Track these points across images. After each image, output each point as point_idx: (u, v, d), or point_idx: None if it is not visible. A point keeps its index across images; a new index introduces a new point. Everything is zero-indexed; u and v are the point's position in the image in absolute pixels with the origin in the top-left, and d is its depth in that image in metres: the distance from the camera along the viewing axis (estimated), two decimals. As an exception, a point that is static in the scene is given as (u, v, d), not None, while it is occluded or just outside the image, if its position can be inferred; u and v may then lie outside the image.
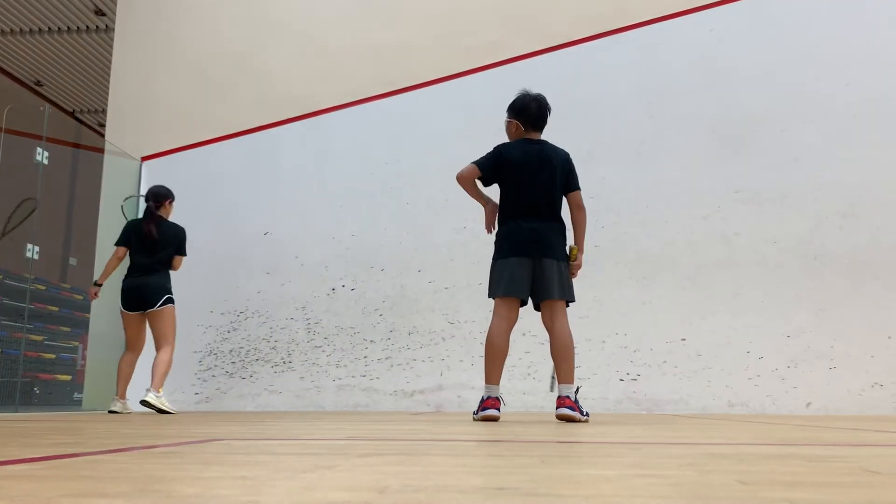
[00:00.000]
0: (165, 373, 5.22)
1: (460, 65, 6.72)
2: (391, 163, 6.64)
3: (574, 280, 3.87)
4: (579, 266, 3.87)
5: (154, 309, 5.29)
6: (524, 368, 5.93)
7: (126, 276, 5.39)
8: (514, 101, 3.95)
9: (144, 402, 5.05)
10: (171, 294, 5.37)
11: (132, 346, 5.38)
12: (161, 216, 5.45)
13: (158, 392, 5.13)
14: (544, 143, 3.92)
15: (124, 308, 5.36)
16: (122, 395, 5.28)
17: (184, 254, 5.49)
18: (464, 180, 3.84)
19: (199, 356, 6.44)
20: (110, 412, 5.16)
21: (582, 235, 3.89)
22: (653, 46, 6.60)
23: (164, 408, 5.08)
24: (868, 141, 6.17)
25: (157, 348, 5.31)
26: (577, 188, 3.90)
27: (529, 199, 3.78)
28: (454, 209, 6.18)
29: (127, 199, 5.68)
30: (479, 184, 3.91)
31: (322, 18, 7.15)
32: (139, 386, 5.41)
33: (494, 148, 3.91)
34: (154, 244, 5.35)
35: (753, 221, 6.15)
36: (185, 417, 4.36)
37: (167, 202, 5.52)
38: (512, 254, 3.75)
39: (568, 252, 3.83)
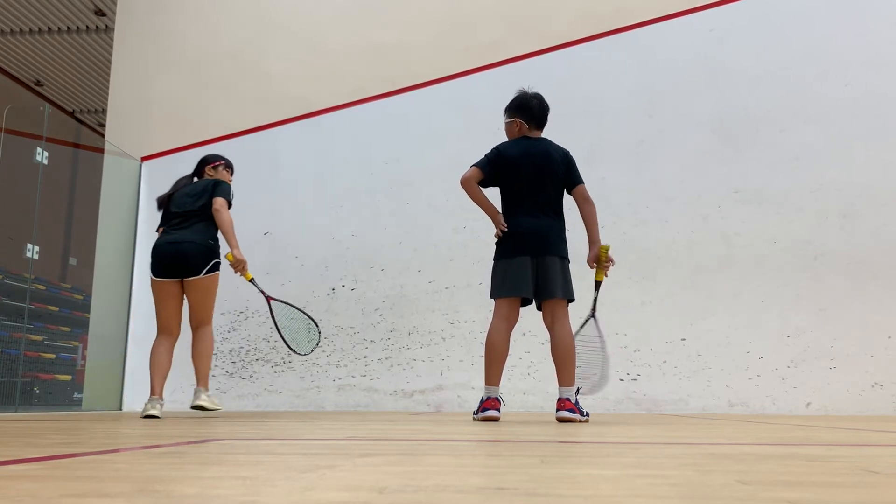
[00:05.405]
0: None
1: (460, 65, 6.72)
2: (391, 163, 6.64)
3: (576, 278, 3.87)
4: (610, 262, 3.87)
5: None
6: (524, 368, 5.93)
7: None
8: (514, 101, 3.94)
9: (198, 407, 4.31)
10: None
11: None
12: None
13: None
14: (544, 140, 3.91)
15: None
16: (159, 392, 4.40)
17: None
18: (468, 184, 3.80)
19: (199, 356, 6.43)
20: (148, 417, 4.15)
21: (595, 228, 3.87)
22: (653, 46, 6.59)
23: (215, 407, 4.40)
24: (868, 141, 6.17)
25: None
26: (581, 182, 3.88)
27: (530, 197, 3.77)
28: (454, 209, 6.18)
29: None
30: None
31: (322, 18, 7.15)
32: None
33: (493, 148, 3.90)
34: None
35: (753, 221, 6.15)
36: (186, 417, 4.35)
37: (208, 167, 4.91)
38: (514, 253, 3.73)
39: (596, 257, 3.83)
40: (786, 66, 6.39)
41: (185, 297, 4.55)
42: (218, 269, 4.55)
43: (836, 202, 6.10)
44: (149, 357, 4.49)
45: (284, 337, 4.73)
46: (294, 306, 4.85)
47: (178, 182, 4.81)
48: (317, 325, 4.85)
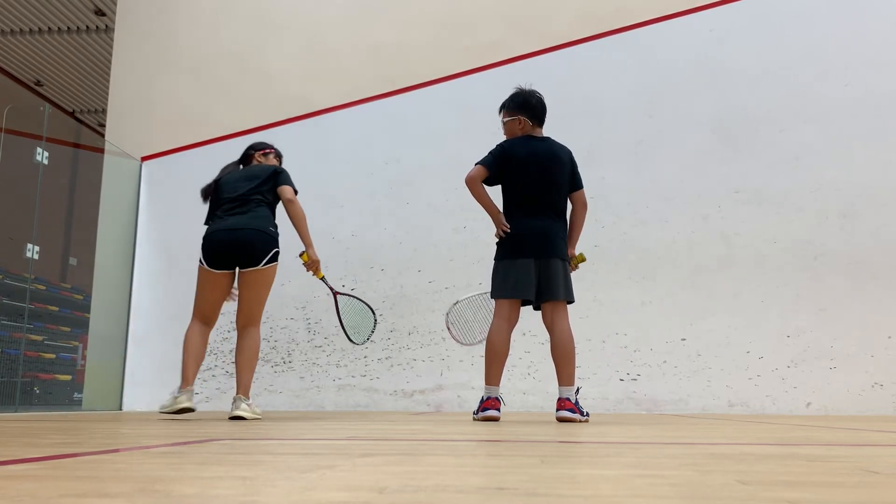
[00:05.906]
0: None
1: (460, 65, 6.72)
2: (391, 163, 6.64)
3: (573, 279, 3.87)
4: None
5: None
6: (524, 368, 5.93)
7: None
8: (515, 98, 3.89)
9: (238, 418, 3.79)
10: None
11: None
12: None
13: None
14: (549, 139, 3.88)
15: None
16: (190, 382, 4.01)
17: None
18: (473, 183, 3.76)
19: (199, 356, 6.43)
20: (182, 411, 3.90)
21: (578, 234, 3.89)
22: (653, 46, 6.59)
23: (255, 417, 3.89)
24: (868, 141, 6.17)
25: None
26: (582, 186, 3.89)
27: (535, 198, 3.75)
28: (454, 209, 6.18)
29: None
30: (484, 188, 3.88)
31: (322, 18, 7.15)
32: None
33: (498, 146, 3.86)
34: None
35: (753, 221, 6.15)
36: (185, 417, 4.35)
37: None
38: (516, 254, 3.72)
39: (569, 259, 3.85)
40: (786, 66, 6.39)
41: (239, 290, 4.10)
42: (277, 260, 4.14)
43: (836, 202, 6.10)
44: (182, 342, 4.05)
45: (346, 328, 4.59)
46: (357, 298, 4.72)
47: (224, 168, 4.44)
48: (373, 314, 4.68)
